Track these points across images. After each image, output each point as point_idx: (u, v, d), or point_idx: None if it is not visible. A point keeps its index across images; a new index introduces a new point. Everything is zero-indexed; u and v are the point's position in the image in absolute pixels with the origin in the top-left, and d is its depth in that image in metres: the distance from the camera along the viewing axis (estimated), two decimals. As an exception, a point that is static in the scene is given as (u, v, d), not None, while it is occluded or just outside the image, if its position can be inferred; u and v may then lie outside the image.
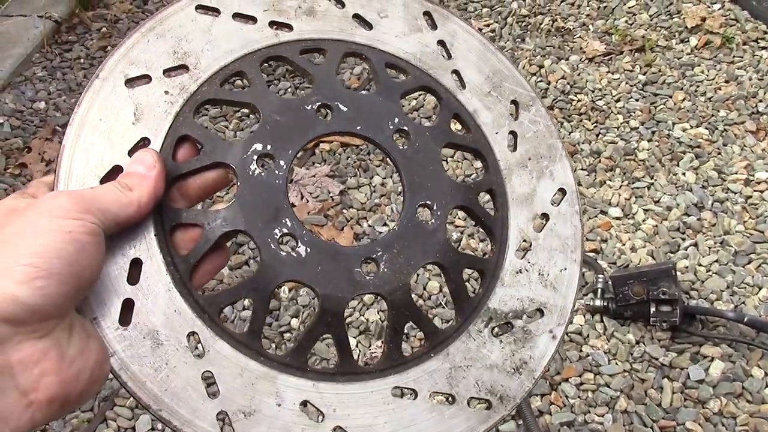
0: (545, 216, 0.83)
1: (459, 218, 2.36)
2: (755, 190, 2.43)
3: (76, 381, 0.61)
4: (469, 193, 0.80)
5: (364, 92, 0.81)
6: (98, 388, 0.65)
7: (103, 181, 0.69)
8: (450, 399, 0.75)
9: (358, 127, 0.77)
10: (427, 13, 0.84)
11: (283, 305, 2.12)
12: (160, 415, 0.67)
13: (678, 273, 2.08)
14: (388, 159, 0.80)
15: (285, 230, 0.72)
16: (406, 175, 0.78)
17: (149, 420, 1.86)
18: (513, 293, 0.79)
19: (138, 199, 0.66)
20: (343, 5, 0.81)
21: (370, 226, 2.37)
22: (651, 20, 3.18)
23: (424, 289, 2.14)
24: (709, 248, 2.26)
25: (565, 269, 0.82)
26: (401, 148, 0.78)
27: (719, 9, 3.19)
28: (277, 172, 0.73)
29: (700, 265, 2.21)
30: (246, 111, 2.43)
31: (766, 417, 1.85)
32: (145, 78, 0.72)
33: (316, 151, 2.59)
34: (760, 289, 2.13)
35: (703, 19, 3.11)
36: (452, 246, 0.79)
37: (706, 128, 2.67)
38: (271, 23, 0.78)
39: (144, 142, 0.71)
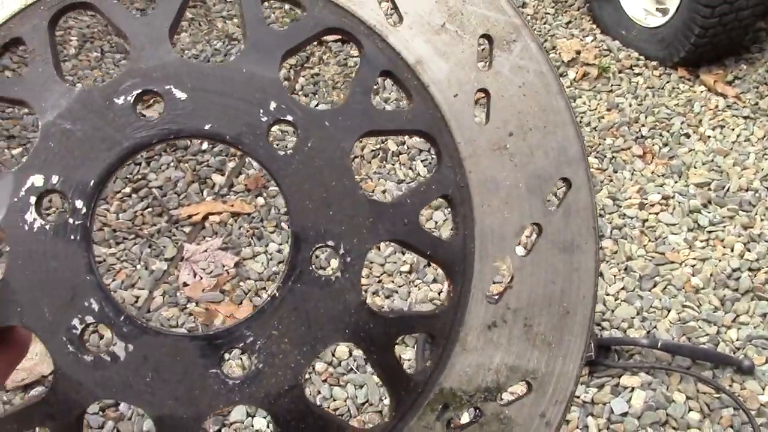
0: (537, 228, 0.55)
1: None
2: (650, 213, 2.45)
3: None
4: (403, 214, 0.52)
5: (217, 63, 0.52)
6: None
7: None
8: None
9: (207, 125, 0.50)
10: None
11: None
12: None
13: (587, 306, 2.04)
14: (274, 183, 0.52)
15: (90, 319, 0.48)
16: (293, 201, 0.51)
17: None
18: (481, 360, 0.53)
19: None
20: None
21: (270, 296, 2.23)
22: (529, 58, 3.24)
23: (333, 355, 2.02)
24: (614, 276, 2.24)
25: (568, 312, 0.55)
26: (283, 153, 0.51)
27: (592, 41, 3.29)
28: (72, 221, 0.49)
29: (607, 294, 2.18)
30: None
31: (693, 442, 1.81)
32: None
33: (206, 224, 2.45)
34: (669, 311, 2.12)
35: (578, 52, 3.19)
36: (371, 310, 0.52)
37: (596, 157, 2.70)
38: None
39: None
